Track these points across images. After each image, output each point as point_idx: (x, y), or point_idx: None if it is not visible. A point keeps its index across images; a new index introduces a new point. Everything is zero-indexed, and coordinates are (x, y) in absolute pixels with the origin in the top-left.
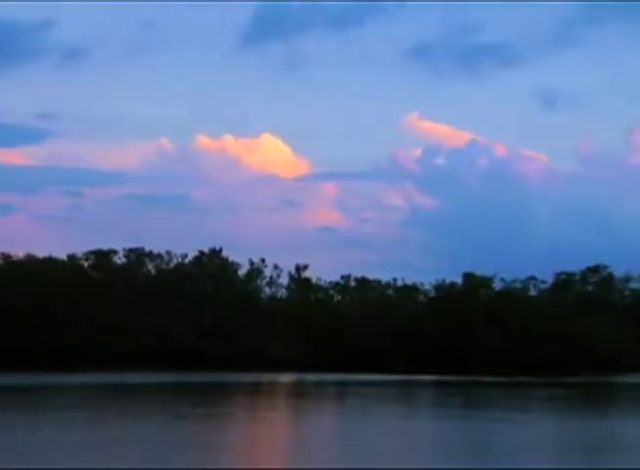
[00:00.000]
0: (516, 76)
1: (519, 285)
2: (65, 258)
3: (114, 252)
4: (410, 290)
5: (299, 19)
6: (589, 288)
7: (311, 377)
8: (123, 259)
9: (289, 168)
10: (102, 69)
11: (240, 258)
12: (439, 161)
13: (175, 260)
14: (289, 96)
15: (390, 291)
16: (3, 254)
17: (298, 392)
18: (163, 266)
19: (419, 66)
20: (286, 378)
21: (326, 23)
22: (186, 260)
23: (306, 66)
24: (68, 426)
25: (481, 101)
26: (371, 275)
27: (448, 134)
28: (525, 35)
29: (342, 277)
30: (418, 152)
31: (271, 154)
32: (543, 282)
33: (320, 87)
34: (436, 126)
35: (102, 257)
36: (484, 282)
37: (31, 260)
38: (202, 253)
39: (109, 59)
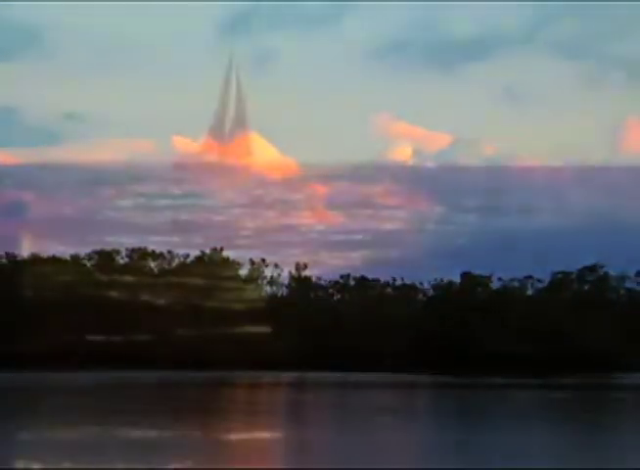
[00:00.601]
0: (489, 73)
1: (516, 284)
2: (68, 257)
3: (117, 251)
4: (409, 289)
5: (278, 18)
6: (585, 287)
7: (311, 376)
8: (126, 259)
9: (279, 169)
10: (88, 68)
11: (240, 257)
12: (431, 160)
13: (177, 260)
14: (268, 96)
15: (389, 290)
16: (7, 253)
17: (297, 391)
18: (165, 266)
19: (399, 64)
20: (286, 377)
21: (303, 22)
22: (188, 260)
23: (285, 64)
24: (68, 426)
25: (463, 99)
26: (370, 274)
27: (438, 133)
28: (496, 31)
29: (342, 276)
30: (408, 151)
31: (260, 154)
32: (540, 281)
33: (300, 86)
34: (428, 126)
35: (105, 256)
36: (482, 281)
37: (35, 260)
38: (203, 252)
39: (92, 58)
